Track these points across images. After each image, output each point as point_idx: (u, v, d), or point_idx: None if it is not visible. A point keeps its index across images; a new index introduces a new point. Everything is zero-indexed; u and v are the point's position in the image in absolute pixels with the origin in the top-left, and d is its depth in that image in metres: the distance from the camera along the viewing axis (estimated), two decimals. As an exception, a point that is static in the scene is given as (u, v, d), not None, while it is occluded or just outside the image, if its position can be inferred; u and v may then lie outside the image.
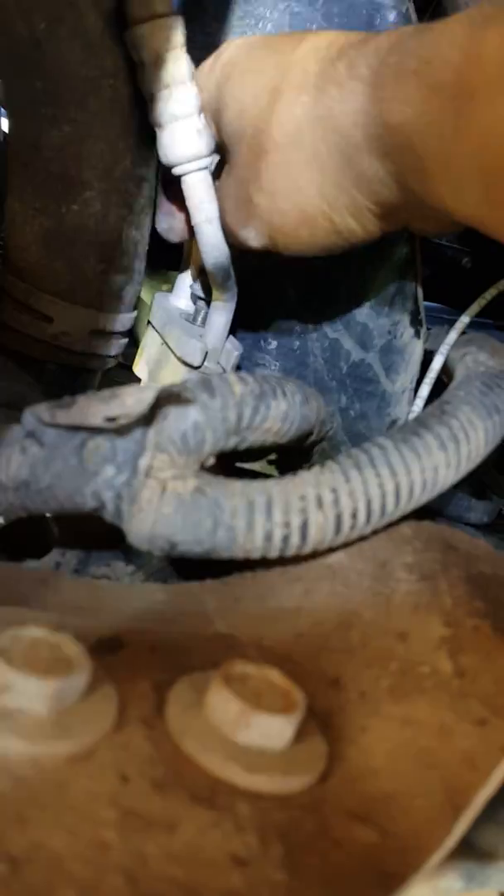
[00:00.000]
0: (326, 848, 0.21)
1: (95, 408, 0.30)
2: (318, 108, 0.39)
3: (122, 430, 0.31)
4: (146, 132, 0.46)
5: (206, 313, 0.54)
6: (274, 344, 0.59)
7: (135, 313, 0.51)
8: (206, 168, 0.45)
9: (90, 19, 0.44)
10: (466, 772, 0.24)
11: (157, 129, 0.44)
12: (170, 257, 0.59)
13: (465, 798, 0.24)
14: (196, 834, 0.20)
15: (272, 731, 0.23)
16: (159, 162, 0.46)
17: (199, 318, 0.56)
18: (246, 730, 0.23)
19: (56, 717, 0.21)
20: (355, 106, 0.37)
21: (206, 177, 0.46)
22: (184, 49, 0.44)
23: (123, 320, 0.50)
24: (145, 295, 0.59)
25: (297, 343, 0.58)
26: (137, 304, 0.54)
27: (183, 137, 0.44)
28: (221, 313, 0.52)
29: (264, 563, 0.34)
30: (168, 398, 0.31)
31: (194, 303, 0.56)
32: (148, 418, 0.31)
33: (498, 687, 0.27)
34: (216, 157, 0.46)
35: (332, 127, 0.38)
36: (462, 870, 0.25)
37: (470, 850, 0.25)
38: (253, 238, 0.44)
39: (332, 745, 0.25)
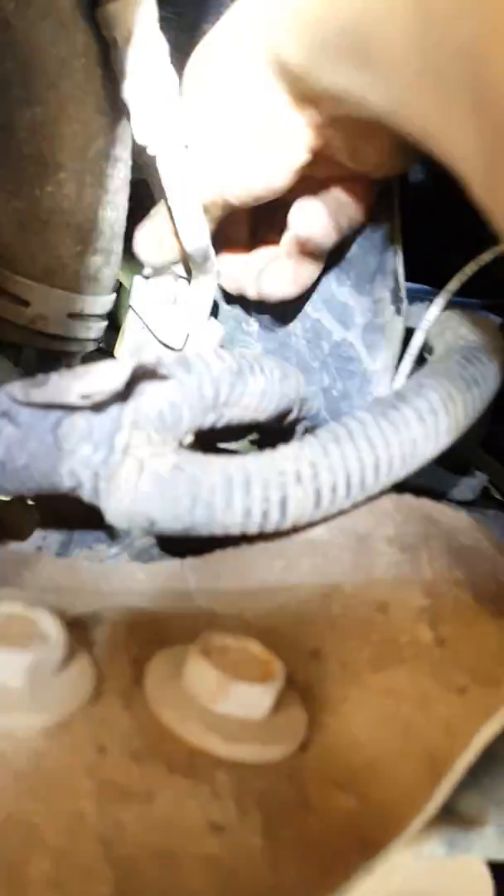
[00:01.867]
0: (305, 815, 0.21)
1: (70, 385, 0.29)
2: None
3: (97, 408, 0.30)
4: (120, 112, 0.46)
5: (187, 296, 0.54)
6: (256, 326, 0.59)
7: (113, 296, 0.51)
8: (180, 146, 0.45)
9: (60, -2, 0.43)
10: (447, 739, 0.24)
11: (129, 108, 0.44)
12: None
13: (445, 765, 0.24)
14: (173, 802, 0.20)
15: (251, 700, 0.23)
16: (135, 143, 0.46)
17: (180, 301, 0.55)
18: (224, 700, 0.23)
19: (32, 690, 0.21)
20: None
21: (181, 156, 0.46)
22: (156, 26, 0.43)
23: (102, 303, 0.49)
24: (125, 278, 0.58)
25: (280, 327, 0.58)
26: (118, 288, 0.54)
27: (155, 117, 0.44)
28: (202, 295, 0.51)
29: (246, 540, 0.34)
30: (144, 374, 0.31)
31: (175, 283, 0.55)
32: (124, 395, 0.31)
33: (478, 655, 0.27)
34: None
35: None
36: (444, 836, 0.25)
37: (452, 817, 0.25)
38: None
39: (313, 715, 0.25)
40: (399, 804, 0.23)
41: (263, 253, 0.52)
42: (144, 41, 0.43)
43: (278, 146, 0.43)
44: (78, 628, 0.25)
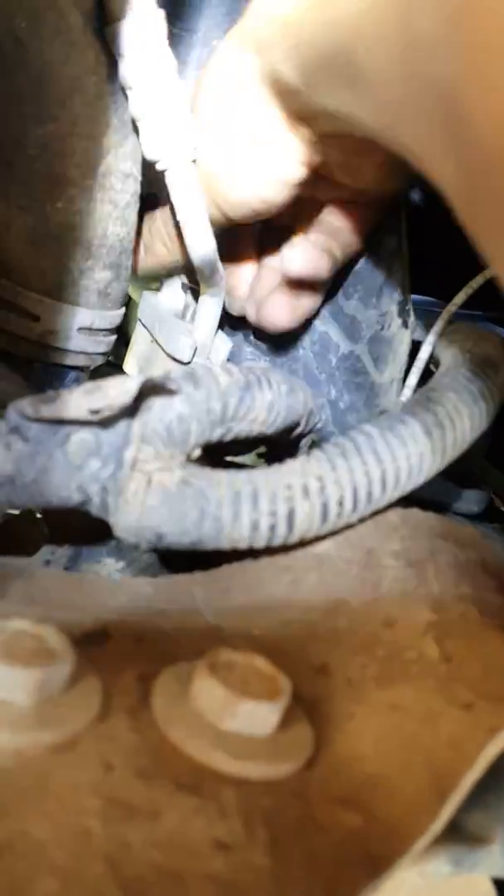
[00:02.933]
0: (311, 832, 0.21)
1: (79, 401, 0.29)
2: None
3: (106, 423, 0.31)
4: (129, 128, 0.46)
5: (195, 309, 0.54)
6: (263, 338, 0.59)
7: (123, 310, 0.51)
8: (189, 162, 0.45)
9: (71, 17, 0.44)
10: (453, 756, 0.24)
11: (138, 124, 0.44)
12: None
13: (451, 782, 0.24)
14: (179, 820, 0.20)
15: (257, 717, 0.23)
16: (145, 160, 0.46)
17: (189, 314, 0.56)
18: (231, 717, 0.23)
19: (39, 707, 0.21)
20: None
21: (189, 171, 0.46)
22: (165, 43, 0.44)
23: (111, 317, 0.50)
24: (134, 292, 0.59)
25: (286, 337, 0.58)
26: (127, 302, 0.54)
27: (165, 132, 0.44)
28: (210, 308, 0.52)
29: (252, 555, 0.34)
30: (152, 389, 0.31)
31: (183, 298, 0.56)
32: (132, 410, 0.31)
33: (484, 671, 0.27)
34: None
35: None
36: (450, 854, 0.25)
37: (458, 835, 0.25)
38: None
39: (319, 731, 0.25)
40: (405, 821, 0.23)
41: (266, 281, 0.53)
42: (153, 58, 0.44)
43: (273, 160, 0.44)
44: (85, 644, 0.25)
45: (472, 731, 0.25)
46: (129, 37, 0.43)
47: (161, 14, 0.42)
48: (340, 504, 0.32)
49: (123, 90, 0.45)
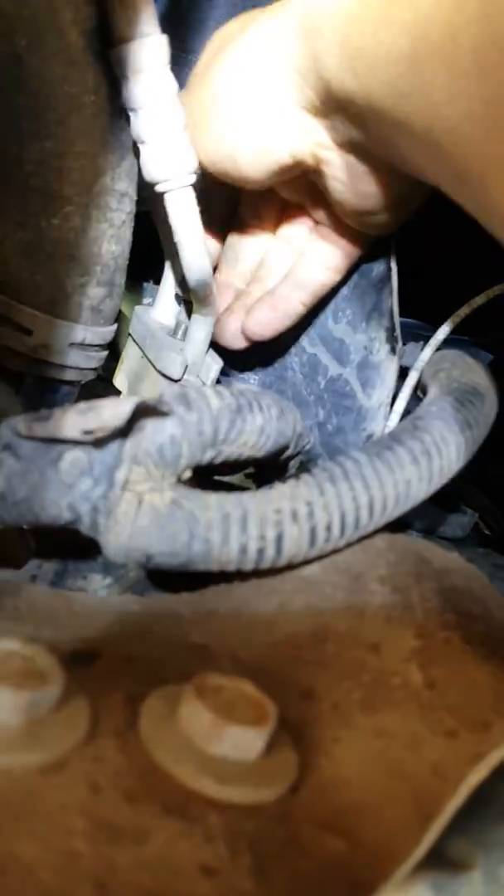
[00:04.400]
0: (296, 857, 0.22)
1: (72, 420, 0.30)
2: None
3: (98, 443, 0.31)
4: (126, 148, 0.46)
5: (187, 327, 0.55)
6: (253, 359, 0.59)
7: (115, 327, 0.51)
8: (188, 185, 0.46)
9: (72, 37, 0.44)
10: (436, 783, 0.25)
11: (140, 146, 0.45)
12: (147, 271, 0.59)
13: (434, 808, 0.24)
14: (166, 844, 0.20)
15: (244, 742, 0.23)
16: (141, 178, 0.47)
17: (180, 332, 0.56)
18: (218, 741, 0.23)
19: (28, 728, 0.22)
20: None
21: (189, 193, 0.47)
22: (168, 67, 0.44)
23: (103, 333, 0.50)
24: (125, 308, 0.59)
25: (276, 358, 0.58)
26: (118, 318, 0.54)
27: (166, 154, 0.44)
28: (202, 327, 0.52)
29: (240, 576, 0.34)
30: (145, 411, 0.32)
31: (175, 315, 0.56)
32: (125, 431, 0.31)
33: (467, 699, 0.27)
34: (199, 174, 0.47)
35: None
36: (431, 880, 0.25)
37: (439, 861, 0.25)
38: None
39: (304, 756, 0.25)
40: (388, 847, 0.23)
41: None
42: (157, 81, 0.44)
43: (271, 137, 0.45)
44: (73, 663, 0.25)
45: (455, 758, 0.25)
46: (133, 59, 0.43)
47: (165, 38, 0.43)
48: (328, 529, 0.32)
49: (122, 111, 0.45)
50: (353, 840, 0.23)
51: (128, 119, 0.45)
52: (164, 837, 0.21)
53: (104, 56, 0.44)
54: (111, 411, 0.30)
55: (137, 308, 0.58)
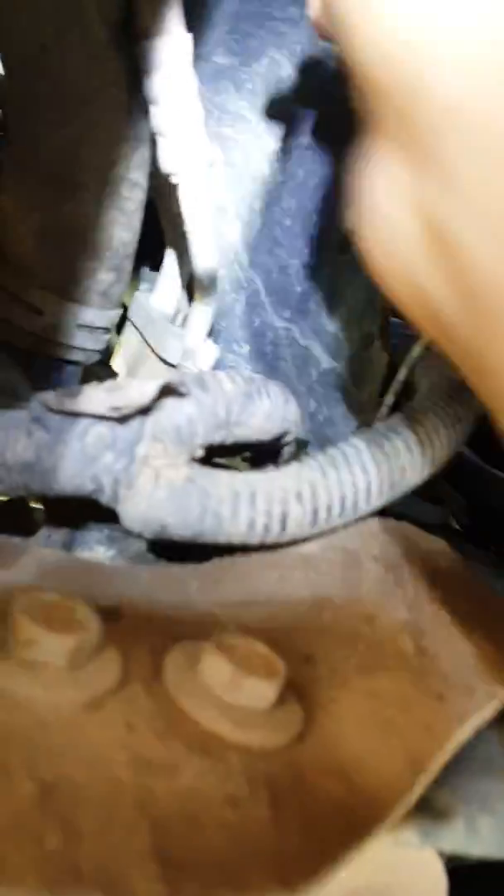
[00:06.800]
0: (304, 796, 0.24)
1: (101, 397, 0.32)
2: None
3: (122, 420, 0.33)
4: (142, 139, 0.48)
5: (185, 314, 0.57)
6: (247, 348, 0.62)
7: (120, 310, 0.53)
8: (202, 176, 0.48)
9: (97, 29, 0.46)
10: (426, 740, 0.27)
11: (158, 138, 0.47)
12: (144, 257, 0.61)
13: (424, 763, 0.27)
14: (194, 777, 0.23)
15: (258, 692, 0.26)
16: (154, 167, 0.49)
17: (179, 319, 0.58)
18: (236, 691, 0.26)
19: (70, 671, 0.24)
20: None
21: (201, 186, 0.49)
22: (190, 64, 0.46)
23: (110, 316, 0.52)
24: (126, 295, 0.61)
25: (270, 349, 0.61)
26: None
27: (183, 147, 0.46)
28: (202, 315, 0.54)
29: (242, 552, 0.37)
30: (166, 391, 0.34)
31: (175, 302, 0.58)
32: (146, 409, 0.34)
33: (454, 666, 0.30)
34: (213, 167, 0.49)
35: None
36: (419, 826, 0.28)
37: (427, 810, 0.28)
38: None
39: (307, 712, 0.28)
40: (383, 794, 0.26)
41: None
42: (179, 76, 0.46)
43: None
44: (103, 618, 0.28)
45: (442, 718, 0.28)
46: (158, 55, 0.45)
47: (189, 37, 0.45)
48: (329, 510, 0.35)
49: (141, 103, 0.47)
50: (352, 787, 0.26)
51: (147, 112, 0.47)
52: (193, 772, 0.23)
53: (128, 50, 0.46)
54: (138, 391, 0.32)
55: (138, 293, 0.60)
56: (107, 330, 0.53)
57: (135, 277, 0.66)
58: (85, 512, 0.39)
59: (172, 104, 0.46)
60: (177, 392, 0.34)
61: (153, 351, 0.57)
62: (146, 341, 0.58)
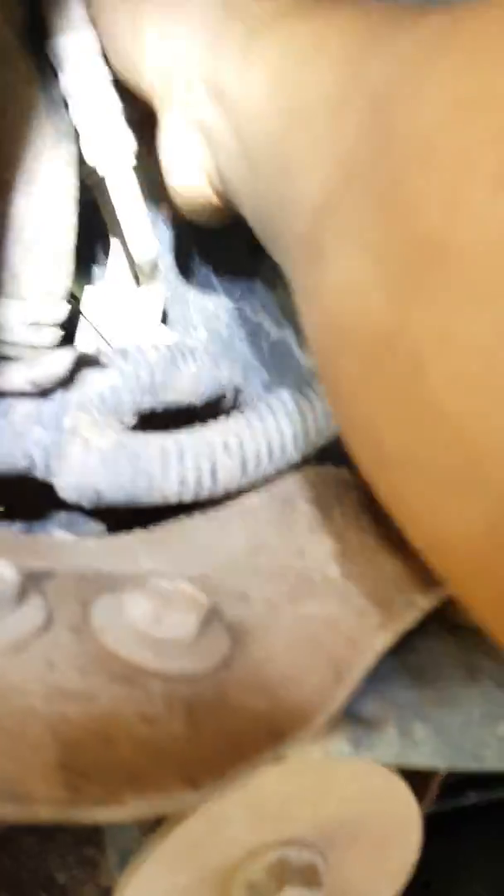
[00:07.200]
0: (223, 712, 0.26)
1: (19, 373, 0.34)
2: None
3: (45, 393, 0.35)
4: (66, 136, 0.50)
5: (137, 303, 0.58)
6: (204, 332, 0.63)
7: (68, 306, 0.55)
8: (129, 167, 0.50)
9: (5, 34, 0.48)
10: (350, 651, 0.29)
11: (79, 131, 0.48)
12: (97, 255, 0.63)
13: (349, 674, 0.28)
14: (112, 702, 0.24)
15: (179, 624, 0.27)
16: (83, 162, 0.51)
17: (130, 309, 0.60)
18: (157, 625, 0.27)
19: (-10, 618, 0.25)
20: None
21: (128, 176, 0.50)
22: (100, 56, 0.48)
23: (56, 312, 0.53)
24: (77, 289, 0.62)
25: (225, 331, 0.62)
26: (71, 298, 0.58)
27: (102, 139, 0.48)
28: (151, 302, 0.56)
29: (187, 513, 0.38)
30: (86, 362, 0.35)
31: (126, 293, 0.60)
32: (68, 382, 0.35)
33: (377, 585, 0.31)
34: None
35: None
36: (349, 736, 0.29)
37: (356, 719, 0.29)
38: None
39: (238, 641, 0.29)
40: (308, 706, 0.27)
41: None
42: (89, 69, 0.48)
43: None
44: (32, 578, 0.29)
45: (364, 629, 0.29)
46: (66, 51, 0.47)
47: (94, 32, 0.47)
48: (258, 458, 0.36)
49: (58, 99, 0.49)
50: (276, 701, 0.27)
51: (65, 106, 0.49)
52: (110, 697, 0.24)
53: (41, 48, 0.48)
54: (53, 362, 0.33)
55: (88, 287, 0.61)
56: (57, 326, 0.54)
57: (86, 272, 0.68)
58: (40, 500, 0.41)
59: (85, 98, 0.48)
60: (97, 362, 0.36)
61: (108, 344, 0.58)
62: (100, 334, 0.59)
